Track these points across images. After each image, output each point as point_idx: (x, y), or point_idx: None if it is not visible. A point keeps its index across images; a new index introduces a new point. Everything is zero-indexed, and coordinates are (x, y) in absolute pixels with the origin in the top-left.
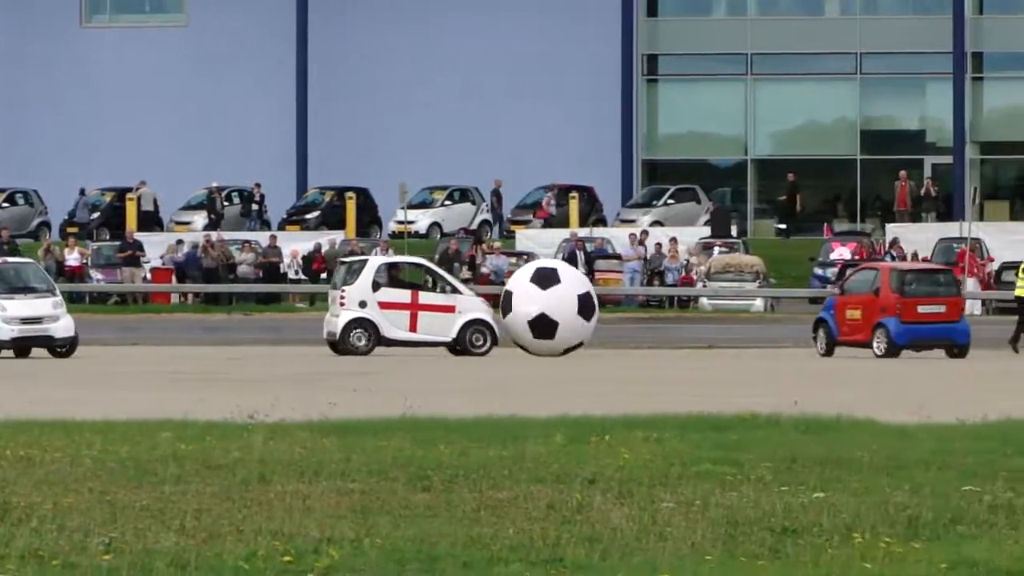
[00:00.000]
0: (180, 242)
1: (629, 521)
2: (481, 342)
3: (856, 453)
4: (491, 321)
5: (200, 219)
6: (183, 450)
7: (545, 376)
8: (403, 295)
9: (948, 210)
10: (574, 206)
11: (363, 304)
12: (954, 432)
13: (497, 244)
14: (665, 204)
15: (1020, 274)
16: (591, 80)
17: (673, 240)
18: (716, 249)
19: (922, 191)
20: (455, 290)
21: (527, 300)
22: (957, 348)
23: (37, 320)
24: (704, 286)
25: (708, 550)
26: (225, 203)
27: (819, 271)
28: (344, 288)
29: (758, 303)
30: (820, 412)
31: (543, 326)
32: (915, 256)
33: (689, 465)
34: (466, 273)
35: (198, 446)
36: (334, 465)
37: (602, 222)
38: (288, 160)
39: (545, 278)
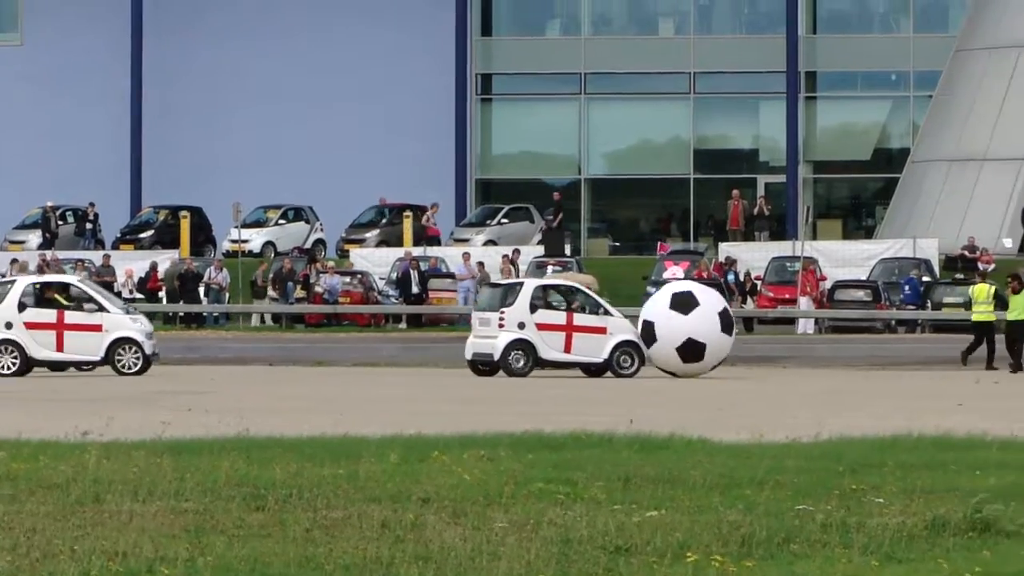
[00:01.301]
0: (15, 261)
1: (463, 540)
2: (629, 363)
3: (690, 472)
4: (639, 342)
5: (35, 238)
6: (16, 469)
7: (379, 395)
8: (559, 316)
9: (781, 229)
10: (408, 225)
11: (522, 325)
12: (787, 451)
13: (331, 263)
14: (499, 223)
15: (974, 299)
16: (425, 99)
17: (505, 258)
18: (550, 268)
19: (755, 210)
20: (606, 312)
21: (672, 328)
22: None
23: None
24: None
25: (541, 569)
26: (59, 222)
27: (652, 290)
28: (504, 309)
29: None
30: (653, 431)
31: (692, 350)
32: (748, 275)
33: (523, 484)
34: (300, 292)
35: (32, 465)
36: (168, 484)
37: (436, 241)
38: (122, 179)
39: (684, 303)
